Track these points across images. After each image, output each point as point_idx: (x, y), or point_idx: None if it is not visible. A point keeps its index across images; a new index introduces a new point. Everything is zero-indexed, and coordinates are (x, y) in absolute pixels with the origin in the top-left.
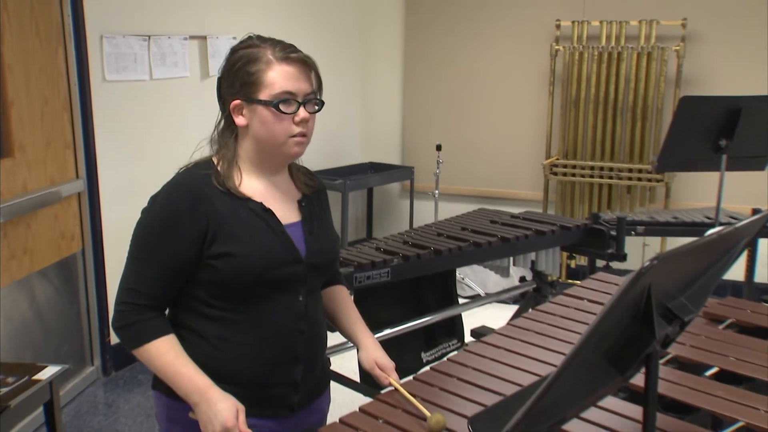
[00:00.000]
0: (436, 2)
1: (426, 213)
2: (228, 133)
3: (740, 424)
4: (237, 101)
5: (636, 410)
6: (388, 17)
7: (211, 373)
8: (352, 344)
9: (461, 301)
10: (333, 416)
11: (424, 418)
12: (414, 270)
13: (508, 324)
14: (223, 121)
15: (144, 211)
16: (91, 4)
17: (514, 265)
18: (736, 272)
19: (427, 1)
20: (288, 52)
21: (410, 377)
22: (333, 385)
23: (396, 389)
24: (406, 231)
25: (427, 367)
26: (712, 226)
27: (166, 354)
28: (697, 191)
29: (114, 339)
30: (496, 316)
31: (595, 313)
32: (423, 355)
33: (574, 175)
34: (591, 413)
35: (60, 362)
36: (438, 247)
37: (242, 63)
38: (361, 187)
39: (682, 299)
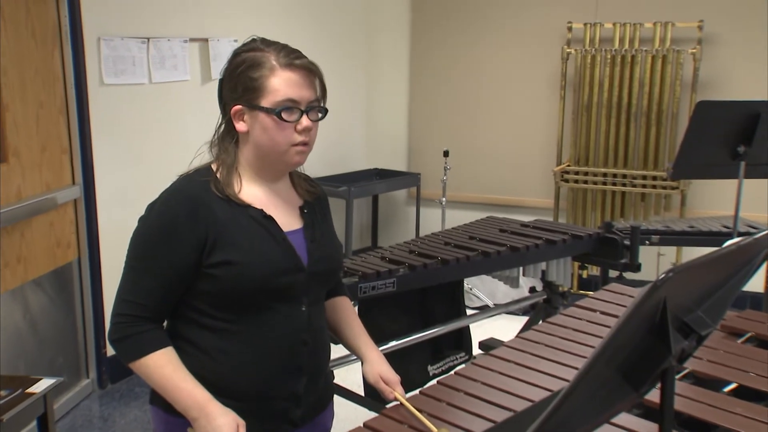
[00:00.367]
0: (444, 3)
1: (433, 221)
2: (228, 138)
3: None
4: (238, 106)
5: (651, 427)
6: (394, 19)
7: (210, 387)
8: (356, 357)
9: (469, 312)
10: None
11: None
12: (420, 280)
13: (517, 336)
14: (223, 126)
15: (141, 220)
16: (89, 6)
17: (523, 275)
18: (755, 284)
19: (435, 2)
20: (292, 58)
21: (416, 391)
22: (336, 399)
23: (401, 404)
24: (412, 240)
25: (434, 381)
26: (730, 235)
27: (164, 367)
28: (714, 199)
29: (110, 351)
30: (505, 328)
31: (608, 326)
32: (429, 368)
33: (586, 182)
34: (604, 430)
35: (54, 374)
36: (445, 256)
37: (245, 67)
38: (366, 194)
39: (699, 312)
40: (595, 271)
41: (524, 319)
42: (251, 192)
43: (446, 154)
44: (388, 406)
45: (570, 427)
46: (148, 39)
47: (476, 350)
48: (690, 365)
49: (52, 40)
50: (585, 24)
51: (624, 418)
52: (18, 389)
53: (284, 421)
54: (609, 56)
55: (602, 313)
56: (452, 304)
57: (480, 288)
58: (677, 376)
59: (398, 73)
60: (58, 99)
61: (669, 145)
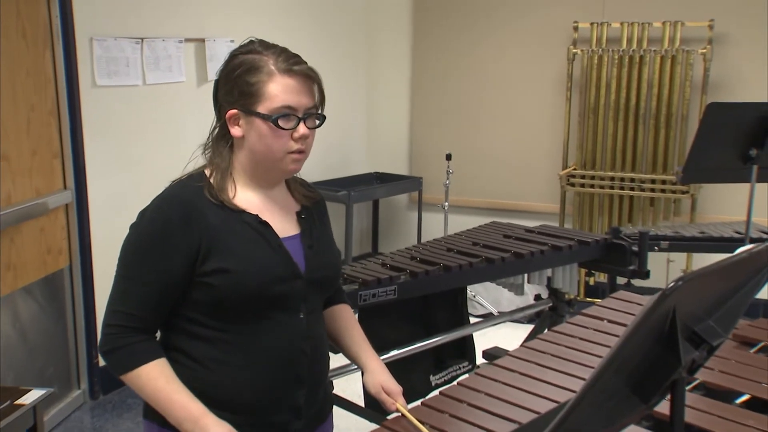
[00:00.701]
0: (446, 2)
1: (435, 226)
2: (223, 141)
3: None
4: (234, 111)
5: None
6: (395, 19)
7: (205, 400)
8: (356, 366)
9: (472, 320)
10: None
11: None
12: (422, 287)
13: (522, 345)
14: (218, 129)
15: (132, 227)
16: (81, 5)
17: (528, 282)
18: None
19: (437, 1)
20: (291, 64)
21: (418, 402)
22: (336, 410)
23: (403, 415)
24: (413, 246)
25: (436, 392)
26: (743, 241)
27: (157, 379)
28: (726, 204)
29: (102, 361)
30: (510, 336)
31: (616, 335)
32: (432, 378)
33: (592, 186)
34: None
35: (44, 385)
36: (448, 263)
37: (242, 71)
38: (366, 198)
39: (709, 322)
40: (602, 278)
41: (529, 327)
42: (246, 197)
43: (449, 157)
44: (389, 417)
45: None
46: (142, 39)
47: (480, 360)
48: (701, 376)
49: (43, 40)
50: (592, 23)
51: (633, 431)
52: (6, 401)
53: None
54: (616, 57)
55: (610, 321)
56: (455, 312)
57: (484, 295)
58: (687, 388)
59: (399, 73)
60: (49, 101)
61: (678, 148)
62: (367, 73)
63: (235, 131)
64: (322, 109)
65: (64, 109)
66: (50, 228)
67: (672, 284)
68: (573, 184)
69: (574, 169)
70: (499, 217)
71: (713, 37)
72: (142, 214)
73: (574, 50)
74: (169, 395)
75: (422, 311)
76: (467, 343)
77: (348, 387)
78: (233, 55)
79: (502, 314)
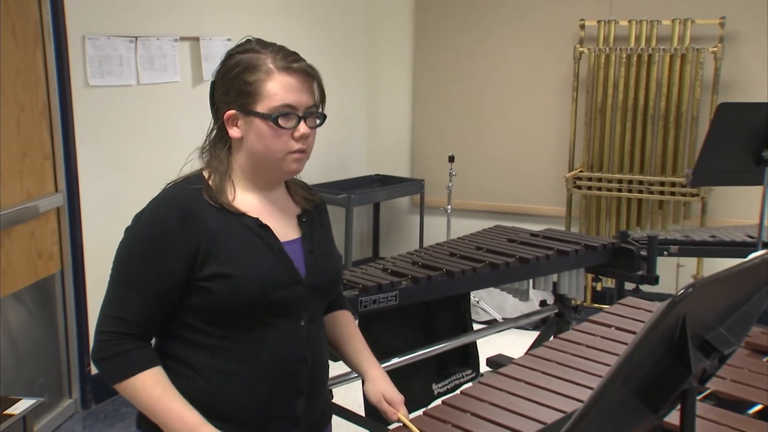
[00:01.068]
0: (449, 1)
1: (437, 230)
2: (221, 144)
3: None
4: (232, 111)
5: None
6: (397, 18)
7: (202, 409)
8: (356, 375)
9: (476, 327)
10: None
11: None
12: (424, 293)
13: (527, 353)
14: (215, 131)
15: (127, 230)
16: (73, 2)
17: (534, 288)
18: None
19: (439, 1)
20: (290, 61)
21: (420, 412)
22: (335, 419)
23: (405, 425)
24: (415, 250)
25: (439, 401)
26: (755, 246)
27: (152, 388)
28: (737, 207)
29: (94, 369)
30: (515, 343)
31: (624, 342)
32: (434, 386)
33: (599, 189)
34: None
35: (35, 395)
36: (450, 268)
37: (239, 70)
38: (367, 201)
39: (721, 330)
40: (609, 283)
41: (534, 334)
42: (246, 200)
43: (451, 159)
44: (390, 427)
45: None
46: (136, 38)
47: (484, 367)
48: (712, 385)
49: (34, 39)
50: (599, 21)
51: None
52: None
53: None
54: (624, 56)
55: (617, 328)
56: (458, 318)
57: (488, 301)
58: (698, 397)
59: (401, 73)
60: (40, 101)
61: (688, 150)
62: (368, 74)
63: (234, 132)
64: (323, 108)
65: (55, 110)
66: (41, 232)
67: (682, 291)
68: (579, 187)
69: (581, 171)
70: (504, 220)
71: (724, 36)
72: (138, 217)
73: (581, 49)
74: (164, 404)
75: (424, 318)
76: (471, 350)
77: (348, 396)
78: (230, 55)
79: (506, 321)
